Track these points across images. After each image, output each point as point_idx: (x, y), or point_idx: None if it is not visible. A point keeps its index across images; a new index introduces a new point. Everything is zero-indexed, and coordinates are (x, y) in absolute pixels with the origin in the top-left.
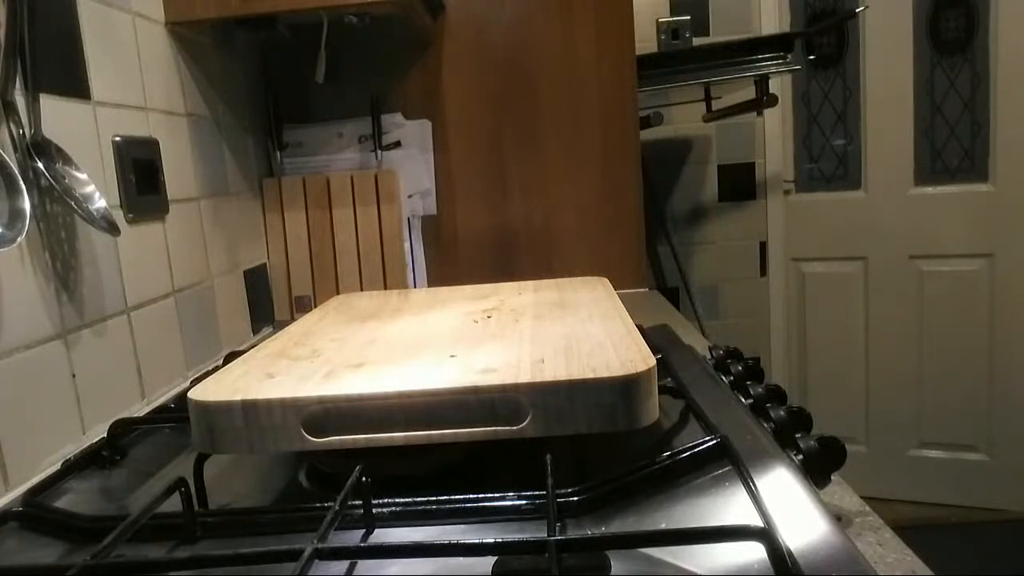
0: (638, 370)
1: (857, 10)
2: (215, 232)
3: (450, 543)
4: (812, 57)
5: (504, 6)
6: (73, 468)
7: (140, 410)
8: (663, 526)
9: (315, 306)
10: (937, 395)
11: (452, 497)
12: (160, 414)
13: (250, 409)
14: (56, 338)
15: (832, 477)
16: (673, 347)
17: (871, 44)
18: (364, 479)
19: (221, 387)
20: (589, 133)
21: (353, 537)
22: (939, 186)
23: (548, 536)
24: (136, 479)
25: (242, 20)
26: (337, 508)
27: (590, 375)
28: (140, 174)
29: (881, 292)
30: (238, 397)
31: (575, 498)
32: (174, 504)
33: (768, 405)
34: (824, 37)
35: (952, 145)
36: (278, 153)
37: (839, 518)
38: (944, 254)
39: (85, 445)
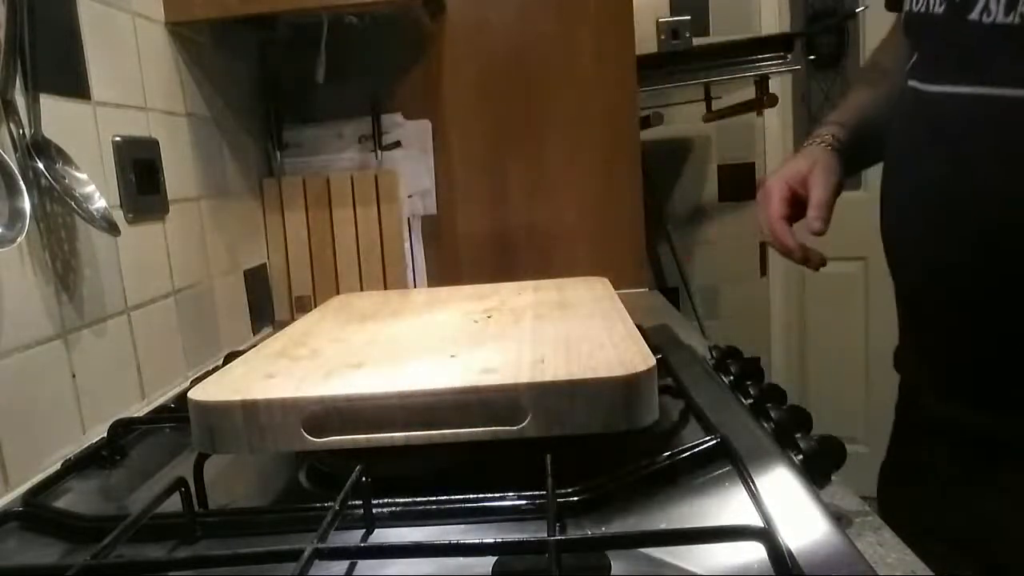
0: (638, 370)
1: (857, 10)
2: (215, 232)
3: (450, 543)
4: (812, 57)
5: (504, 6)
6: (73, 468)
7: (140, 410)
8: (663, 526)
9: (315, 306)
10: None
11: (452, 497)
12: (160, 414)
13: (250, 409)
14: (56, 338)
15: (832, 477)
16: (673, 347)
17: (871, 44)
18: (364, 479)
19: (221, 387)
20: (589, 133)
21: (353, 537)
22: None
23: (548, 536)
24: (136, 479)
25: (242, 20)
26: (337, 508)
27: (590, 375)
28: (140, 174)
29: (881, 292)
30: (238, 397)
31: (575, 498)
32: (174, 504)
33: (768, 405)
34: (824, 37)
35: None
36: (278, 153)
37: (839, 518)
38: None
39: (85, 445)
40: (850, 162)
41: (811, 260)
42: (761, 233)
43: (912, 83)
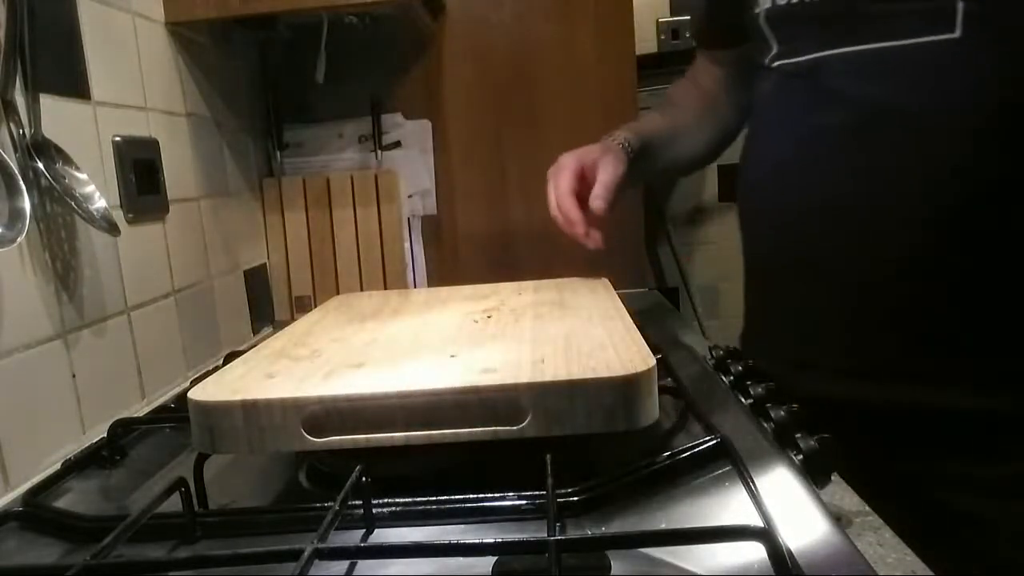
0: (638, 370)
1: None
2: (215, 232)
3: (450, 543)
4: None
5: (504, 6)
6: (73, 468)
7: (140, 410)
8: (663, 526)
9: (315, 306)
10: None
11: (452, 497)
12: (160, 414)
13: (250, 409)
14: (56, 338)
15: (832, 477)
16: (673, 347)
17: None
18: (364, 479)
19: (221, 387)
20: (589, 133)
21: (353, 537)
22: None
23: (548, 536)
24: (136, 479)
25: (242, 20)
26: (337, 508)
27: (590, 375)
28: (140, 174)
29: None
30: (238, 397)
31: (575, 498)
32: (174, 504)
33: (768, 405)
34: None
35: None
36: (278, 153)
37: (839, 518)
38: None
39: (85, 445)
40: (632, 169)
41: (591, 237)
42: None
43: (782, 63)
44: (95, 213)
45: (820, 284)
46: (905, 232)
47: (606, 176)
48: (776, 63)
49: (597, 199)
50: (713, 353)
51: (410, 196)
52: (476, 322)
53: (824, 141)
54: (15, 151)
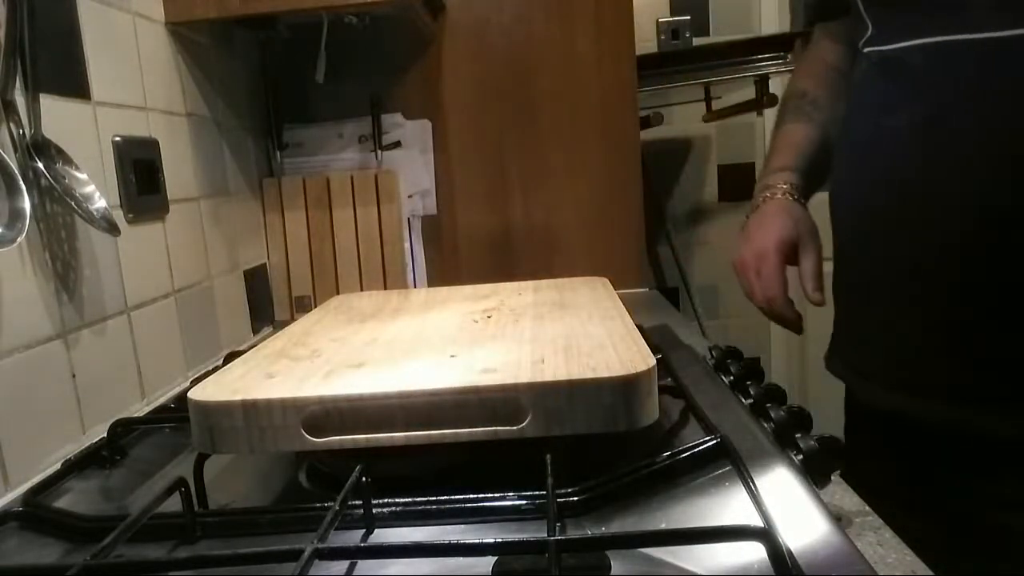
0: (638, 370)
1: None
2: (215, 232)
3: (450, 543)
4: None
5: (504, 6)
6: (73, 468)
7: (140, 410)
8: (663, 526)
9: (315, 306)
10: None
11: (452, 497)
12: (160, 414)
13: (250, 409)
14: (56, 338)
15: (832, 477)
16: (673, 347)
17: None
18: (364, 479)
19: (221, 387)
20: (589, 133)
21: (353, 537)
22: None
23: (548, 536)
24: (136, 479)
25: (242, 20)
26: (337, 508)
27: (590, 375)
28: (140, 174)
29: None
30: (238, 397)
31: (575, 498)
32: (174, 504)
33: (768, 405)
34: None
35: None
36: (278, 153)
37: (839, 518)
38: None
39: (85, 445)
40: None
41: (801, 328)
42: (752, 294)
43: (871, 49)
44: (95, 213)
45: (882, 284)
46: (978, 235)
47: (812, 264)
48: (867, 48)
49: (816, 293)
50: (713, 353)
51: (410, 196)
52: (476, 322)
53: (889, 146)
54: (15, 151)
